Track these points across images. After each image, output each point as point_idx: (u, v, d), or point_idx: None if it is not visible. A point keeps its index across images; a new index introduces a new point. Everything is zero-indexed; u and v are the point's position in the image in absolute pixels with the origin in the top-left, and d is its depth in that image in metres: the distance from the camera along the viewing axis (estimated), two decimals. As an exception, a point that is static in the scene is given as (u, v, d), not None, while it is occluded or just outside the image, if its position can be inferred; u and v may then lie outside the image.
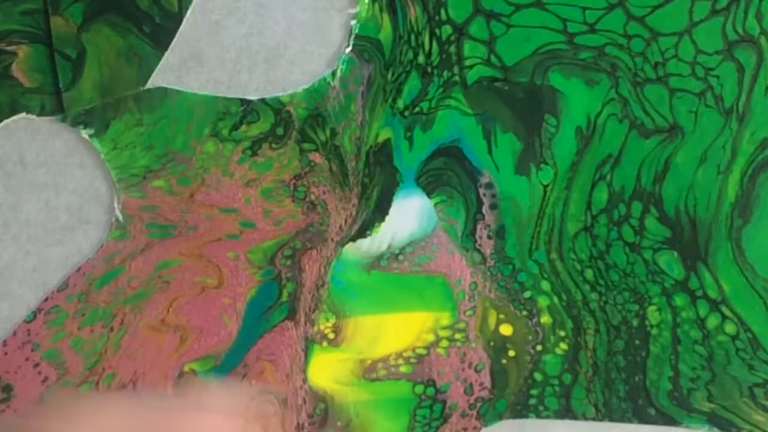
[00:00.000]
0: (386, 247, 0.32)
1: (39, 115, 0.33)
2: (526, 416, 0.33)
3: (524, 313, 0.33)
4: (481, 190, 0.32)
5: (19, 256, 0.33)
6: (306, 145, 0.33)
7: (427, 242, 0.32)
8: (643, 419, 0.33)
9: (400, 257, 0.32)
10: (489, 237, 0.33)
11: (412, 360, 0.33)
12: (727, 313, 0.32)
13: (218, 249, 0.33)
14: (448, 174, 0.32)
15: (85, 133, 0.33)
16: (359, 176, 0.32)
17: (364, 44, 0.33)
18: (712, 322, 0.32)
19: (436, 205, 0.32)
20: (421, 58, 0.33)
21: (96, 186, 0.33)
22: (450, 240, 0.32)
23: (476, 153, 0.33)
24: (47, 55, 0.32)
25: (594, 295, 0.33)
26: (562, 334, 0.33)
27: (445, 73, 0.33)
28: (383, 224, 0.32)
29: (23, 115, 0.32)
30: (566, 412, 0.33)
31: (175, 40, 0.33)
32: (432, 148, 0.33)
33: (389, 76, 0.33)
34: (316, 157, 0.33)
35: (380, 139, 0.32)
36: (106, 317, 0.33)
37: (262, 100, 0.33)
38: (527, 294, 0.33)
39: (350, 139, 0.33)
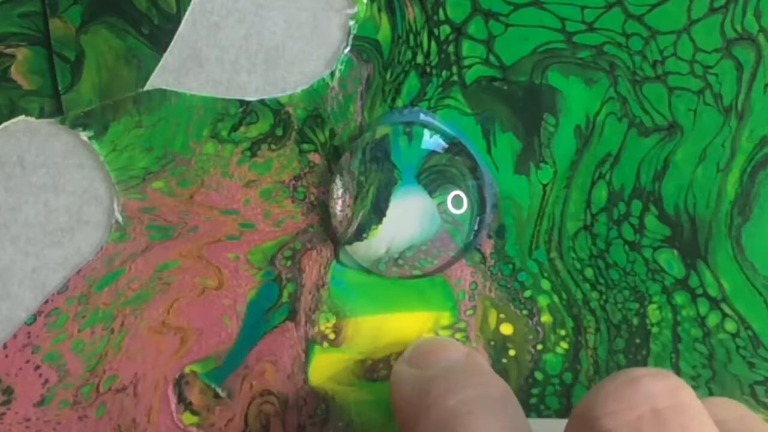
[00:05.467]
0: (384, 251, 0.32)
1: (38, 117, 0.33)
2: (526, 416, 0.33)
3: (524, 312, 0.33)
4: (484, 190, 0.32)
5: (18, 257, 0.33)
6: (305, 146, 0.33)
7: (428, 246, 0.32)
8: (644, 417, 0.33)
9: (400, 261, 0.32)
10: (489, 236, 0.33)
11: (413, 360, 0.33)
12: (728, 311, 0.32)
13: (218, 250, 0.33)
14: (451, 171, 0.32)
15: (84, 135, 0.33)
16: (354, 174, 0.32)
17: (363, 44, 0.33)
18: (713, 320, 0.32)
19: (439, 205, 0.32)
20: (419, 58, 0.33)
21: (95, 187, 0.33)
22: (453, 242, 0.32)
23: (475, 152, 0.33)
24: (46, 58, 0.32)
25: (594, 294, 0.33)
26: (563, 333, 0.33)
27: (443, 73, 0.33)
28: (380, 226, 0.32)
29: (22, 117, 0.33)
30: (567, 411, 0.33)
31: (173, 41, 0.33)
32: (430, 148, 0.32)
33: (388, 76, 0.33)
34: (316, 158, 0.33)
35: (377, 135, 0.32)
36: (107, 319, 0.33)
37: (261, 101, 0.33)
38: (527, 293, 0.33)
39: (349, 139, 0.33)
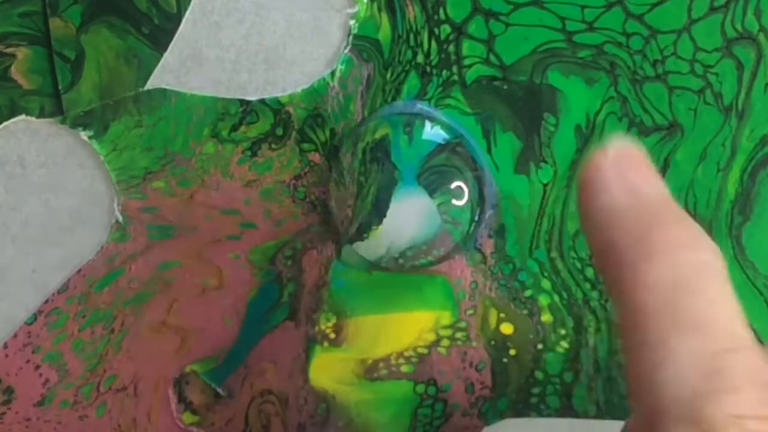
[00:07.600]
0: (385, 251, 0.32)
1: (38, 116, 0.33)
2: (527, 415, 0.33)
3: (525, 311, 0.33)
4: (483, 181, 0.32)
5: (18, 257, 0.33)
6: (305, 146, 0.33)
7: (429, 245, 0.32)
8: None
9: (400, 260, 0.32)
10: (489, 236, 0.33)
11: (413, 359, 0.33)
12: (728, 310, 0.32)
13: (219, 250, 0.33)
14: (452, 171, 0.32)
15: (84, 135, 0.33)
16: (355, 174, 0.32)
17: (363, 44, 0.33)
18: (713, 319, 0.32)
19: (439, 205, 0.32)
20: (420, 58, 0.33)
21: (96, 187, 0.33)
22: (453, 241, 0.32)
23: (475, 145, 0.33)
24: (46, 57, 0.32)
25: (595, 293, 0.33)
26: (563, 332, 0.33)
27: (444, 73, 0.33)
28: (381, 227, 0.32)
29: (23, 117, 0.33)
30: (568, 411, 0.33)
31: (173, 40, 0.33)
32: (432, 146, 0.32)
33: (388, 75, 0.33)
34: (316, 158, 0.33)
35: (377, 135, 0.32)
36: (107, 319, 0.33)
37: (262, 101, 0.33)
38: (528, 292, 0.33)
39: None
